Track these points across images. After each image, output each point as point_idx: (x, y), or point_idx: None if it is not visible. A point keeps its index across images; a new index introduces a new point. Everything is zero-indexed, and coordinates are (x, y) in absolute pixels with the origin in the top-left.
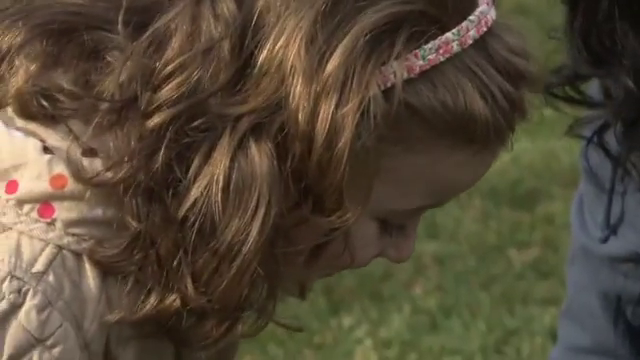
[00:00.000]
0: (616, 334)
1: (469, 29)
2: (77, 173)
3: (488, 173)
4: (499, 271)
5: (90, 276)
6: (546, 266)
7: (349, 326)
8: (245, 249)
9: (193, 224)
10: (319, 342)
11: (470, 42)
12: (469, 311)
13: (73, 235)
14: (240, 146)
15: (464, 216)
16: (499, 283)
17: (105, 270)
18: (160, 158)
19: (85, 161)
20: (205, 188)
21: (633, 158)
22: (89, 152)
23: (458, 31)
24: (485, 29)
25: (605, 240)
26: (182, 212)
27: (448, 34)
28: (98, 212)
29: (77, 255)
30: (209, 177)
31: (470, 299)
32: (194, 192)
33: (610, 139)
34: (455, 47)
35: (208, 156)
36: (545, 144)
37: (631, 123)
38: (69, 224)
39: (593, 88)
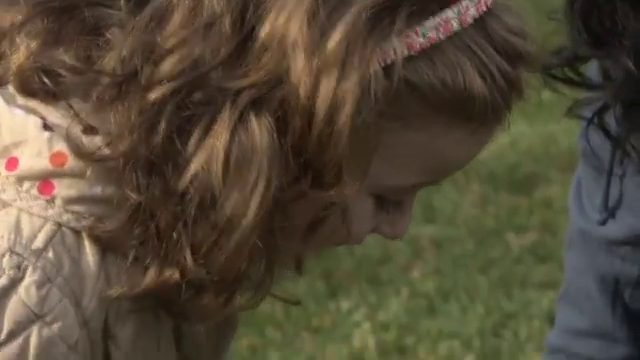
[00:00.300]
0: (614, 317)
1: (469, 8)
2: (77, 150)
3: (486, 157)
4: (497, 255)
5: (89, 253)
6: (544, 250)
7: (347, 309)
8: (244, 222)
9: (193, 197)
10: (317, 325)
11: (470, 21)
12: (467, 295)
13: (72, 212)
14: (240, 120)
15: (462, 200)
16: (497, 267)
17: (105, 246)
18: (160, 131)
19: (85, 138)
20: (205, 161)
21: (632, 140)
22: (89, 129)
23: (458, 10)
24: (485, 9)
25: (603, 223)
26: (182, 185)
27: (448, 12)
28: (97, 190)
29: (76, 232)
30: (209, 150)
31: (468, 283)
32: (194, 165)
33: (610, 121)
34: (455, 26)
35: (208, 129)
36: (543, 128)
37: (630, 104)
38: (69, 201)
39: (592, 70)
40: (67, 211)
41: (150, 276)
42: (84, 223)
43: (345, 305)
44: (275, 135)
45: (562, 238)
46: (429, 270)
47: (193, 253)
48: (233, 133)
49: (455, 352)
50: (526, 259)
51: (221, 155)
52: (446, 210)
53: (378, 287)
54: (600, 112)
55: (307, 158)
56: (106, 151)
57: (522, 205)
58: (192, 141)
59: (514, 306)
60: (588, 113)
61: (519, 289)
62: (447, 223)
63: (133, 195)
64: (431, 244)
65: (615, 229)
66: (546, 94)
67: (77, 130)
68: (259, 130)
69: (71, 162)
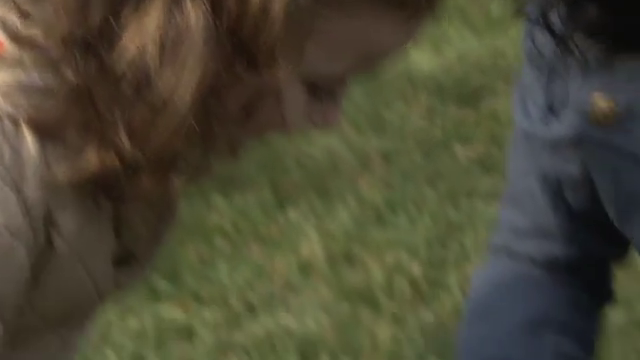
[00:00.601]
0: (555, 216)
1: None
2: (15, 36)
3: (434, 71)
4: (444, 167)
5: (29, 141)
6: (491, 161)
7: (295, 220)
8: (180, 103)
9: (129, 78)
10: (265, 236)
11: None
12: (414, 206)
13: (10, 101)
14: (175, 1)
15: (410, 113)
16: (444, 178)
17: (44, 134)
18: (96, 12)
19: (22, 25)
20: (140, 42)
21: (576, 39)
22: (26, 15)
23: None
24: None
25: (546, 123)
26: (118, 66)
27: None
28: (35, 77)
29: (15, 121)
30: (144, 31)
31: (415, 194)
32: (130, 47)
33: (555, 21)
34: None
35: (144, 11)
36: (491, 42)
37: (573, 3)
38: (6, 89)
39: None
40: (5, 99)
41: (90, 161)
42: (23, 111)
43: (293, 216)
44: (210, 18)
45: (508, 150)
46: (377, 182)
47: (131, 135)
48: (168, 14)
49: (402, 261)
50: (473, 171)
51: (156, 36)
52: (394, 123)
53: (326, 198)
54: (544, 11)
55: (242, 41)
56: (43, 35)
57: (469, 117)
58: (127, 23)
59: (460, 216)
60: (533, 14)
61: (466, 200)
62: (395, 135)
63: (71, 76)
64: (379, 156)
65: (558, 129)
66: (494, 9)
67: (14, 17)
68: (194, 12)
69: (8, 50)
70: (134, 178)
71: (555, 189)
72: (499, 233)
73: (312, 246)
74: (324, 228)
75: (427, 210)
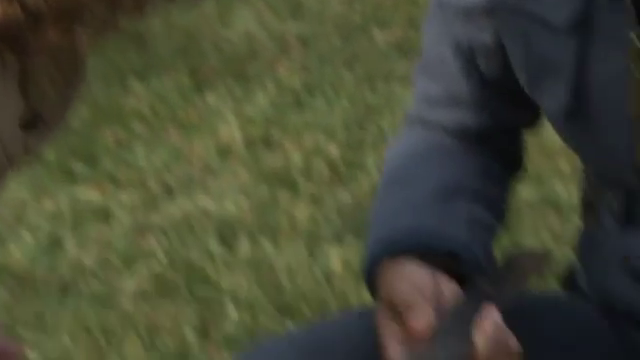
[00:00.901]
0: (468, 83)
1: None
2: None
3: None
4: (362, 50)
5: None
6: (408, 45)
7: (213, 104)
8: None
9: None
10: (183, 119)
11: None
12: (333, 89)
13: None
14: None
15: None
16: (362, 62)
17: None
18: None
19: None
20: None
21: None
22: None
23: None
24: None
25: None
26: None
27: None
28: None
29: None
30: None
31: (334, 77)
32: None
33: None
34: None
35: None
36: None
37: None
38: None
39: None
40: None
41: None
42: None
43: (211, 100)
44: None
45: None
46: (295, 66)
47: None
48: None
49: (320, 143)
50: (391, 54)
51: None
52: (312, 7)
53: (244, 83)
54: None
55: None
56: None
57: (388, 1)
58: None
59: (378, 99)
60: None
61: (383, 83)
62: (313, 20)
63: None
64: (297, 40)
65: None
66: None
67: None
68: None
69: None
70: (38, 29)
71: (467, 57)
72: (413, 104)
73: (230, 130)
74: (242, 112)
75: (345, 93)
